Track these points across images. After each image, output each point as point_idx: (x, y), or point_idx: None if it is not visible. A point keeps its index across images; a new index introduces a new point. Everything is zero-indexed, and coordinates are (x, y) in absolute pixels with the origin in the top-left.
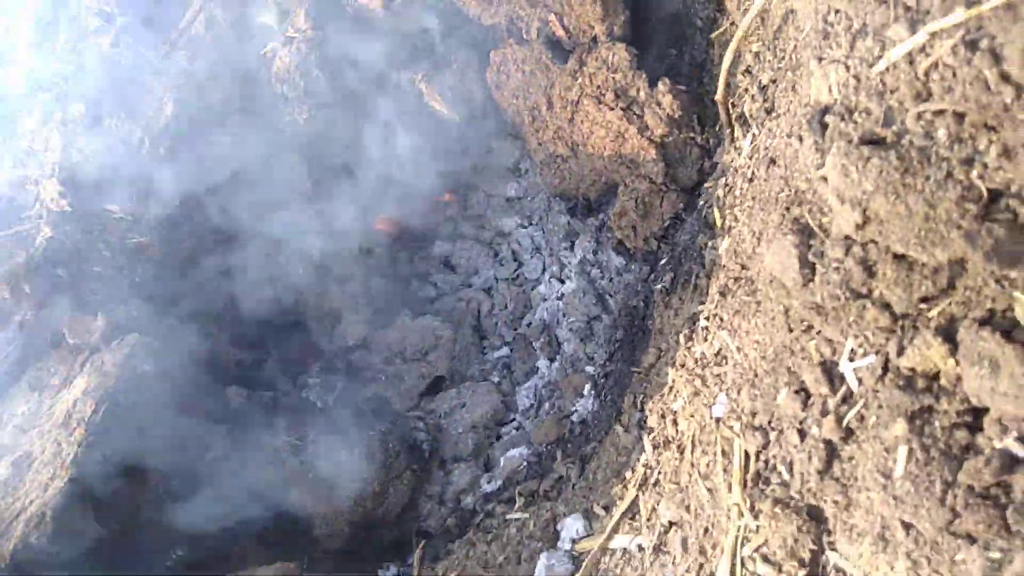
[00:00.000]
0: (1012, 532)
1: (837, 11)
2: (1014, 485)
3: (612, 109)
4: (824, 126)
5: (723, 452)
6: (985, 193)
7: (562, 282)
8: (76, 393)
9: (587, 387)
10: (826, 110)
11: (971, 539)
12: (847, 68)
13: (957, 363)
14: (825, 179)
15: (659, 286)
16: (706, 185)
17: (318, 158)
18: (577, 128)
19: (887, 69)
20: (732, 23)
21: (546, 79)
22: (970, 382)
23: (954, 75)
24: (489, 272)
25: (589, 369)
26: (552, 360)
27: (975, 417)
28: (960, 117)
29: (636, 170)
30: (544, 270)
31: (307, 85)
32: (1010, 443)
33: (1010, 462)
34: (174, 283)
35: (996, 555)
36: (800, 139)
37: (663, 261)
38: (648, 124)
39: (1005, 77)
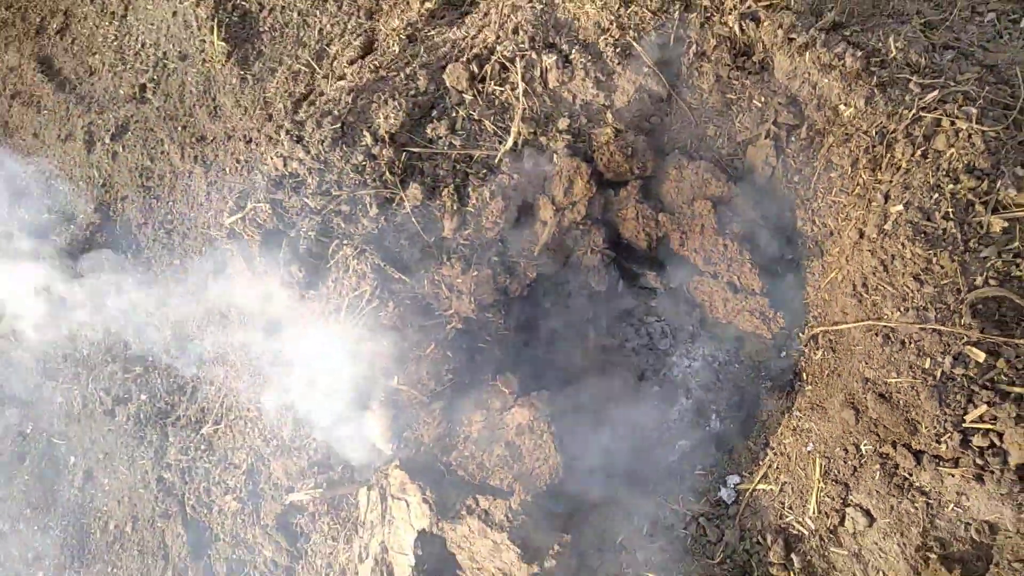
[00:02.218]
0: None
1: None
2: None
3: None
4: None
5: (811, 464)
6: None
7: (688, 361)
8: (522, 417)
9: (712, 416)
10: None
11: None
12: None
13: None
14: None
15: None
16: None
17: None
18: None
19: None
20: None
21: None
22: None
23: None
24: (637, 341)
25: (712, 407)
26: (687, 398)
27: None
28: None
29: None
30: (672, 347)
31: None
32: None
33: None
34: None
35: None
36: None
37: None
38: None
39: None
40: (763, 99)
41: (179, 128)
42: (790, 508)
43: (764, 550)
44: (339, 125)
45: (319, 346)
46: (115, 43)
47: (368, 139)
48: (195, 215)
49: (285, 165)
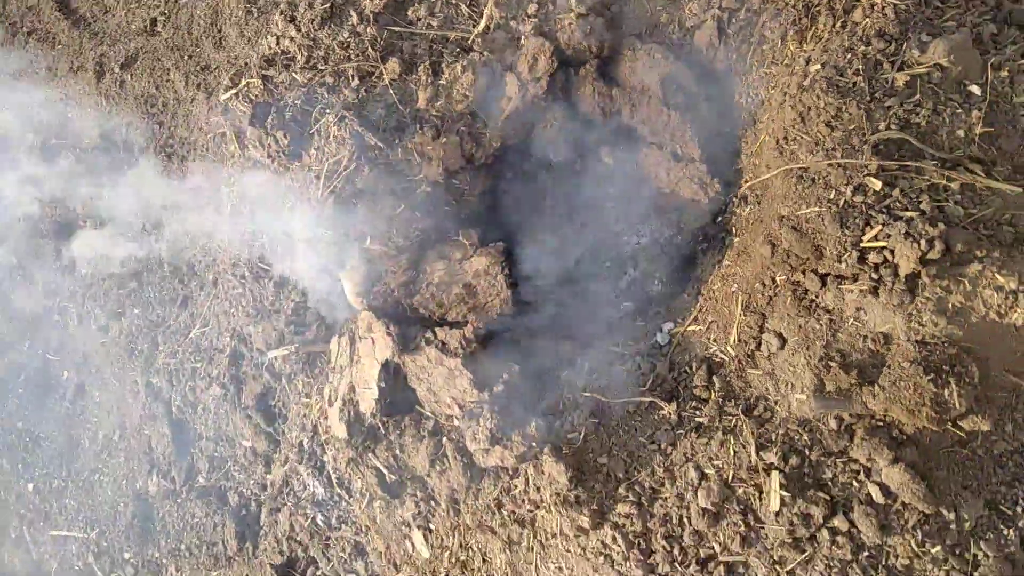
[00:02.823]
0: None
1: None
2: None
3: None
4: None
5: (734, 301)
6: None
7: (637, 239)
8: (480, 264)
9: (656, 282)
10: None
11: None
12: None
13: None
14: None
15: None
16: None
17: None
18: None
19: None
20: None
21: None
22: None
23: None
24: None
25: (656, 274)
26: (635, 269)
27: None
28: None
29: None
30: (624, 228)
31: None
32: None
33: None
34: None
35: None
36: None
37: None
38: None
39: None
40: None
41: (185, 58)
42: (714, 341)
43: (689, 377)
44: (328, 5)
45: (299, 212)
46: None
47: (354, 18)
48: (195, 138)
49: (278, 43)
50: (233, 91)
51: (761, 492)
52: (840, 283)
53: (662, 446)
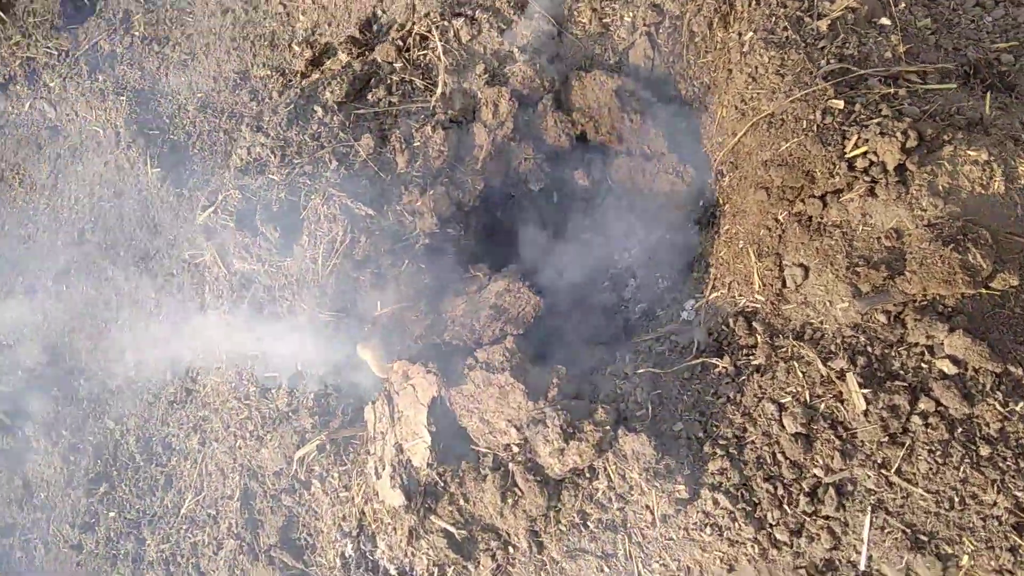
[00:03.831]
0: None
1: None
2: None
3: None
4: None
5: (746, 255)
6: None
7: (627, 252)
8: (499, 286)
9: (658, 280)
10: None
11: None
12: None
13: None
14: None
15: (693, 231)
16: None
17: None
18: None
19: None
20: None
21: None
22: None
23: None
24: None
25: (656, 275)
26: (635, 279)
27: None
28: None
29: None
30: (613, 250)
31: None
32: None
33: None
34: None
35: None
36: None
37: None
38: None
39: None
40: (631, 14)
41: (120, 252)
42: (740, 295)
43: (729, 332)
44: (292, 107)
45: (302, 302)
46: (47, 209)
47: (319, 112)
48: (144, 323)
49: (249, 153)
50: (211, 209)
51: (842, 400)
52: (839, 196)
53: (731, 396)
